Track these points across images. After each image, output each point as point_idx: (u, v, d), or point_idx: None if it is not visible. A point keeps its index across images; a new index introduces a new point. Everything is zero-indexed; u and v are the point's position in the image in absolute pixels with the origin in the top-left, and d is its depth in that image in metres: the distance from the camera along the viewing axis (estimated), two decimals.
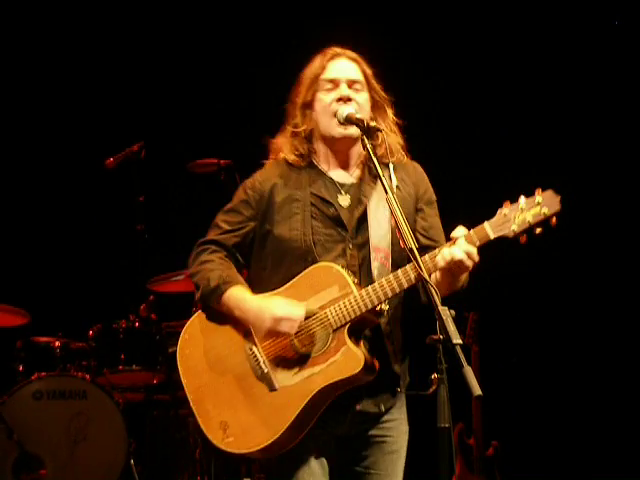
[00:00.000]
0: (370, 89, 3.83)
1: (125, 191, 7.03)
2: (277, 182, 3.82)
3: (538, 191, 3.46)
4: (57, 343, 6.80)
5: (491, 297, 7.37)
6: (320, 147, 3.85)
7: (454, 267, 3.46)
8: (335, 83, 3.79)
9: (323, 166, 3.85)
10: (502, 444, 7.00)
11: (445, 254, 3.45)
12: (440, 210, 3.90)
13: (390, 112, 3.87)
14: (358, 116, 3.66)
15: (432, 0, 7.75)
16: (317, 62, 3.84)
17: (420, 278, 3.37)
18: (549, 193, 3.45)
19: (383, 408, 3.74)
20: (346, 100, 3.75)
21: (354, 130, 3.72)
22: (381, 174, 3.49)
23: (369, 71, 3.85)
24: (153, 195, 7.10)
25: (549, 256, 7.59)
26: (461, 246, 3.44)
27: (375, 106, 3.84)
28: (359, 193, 3.80)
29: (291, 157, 3.84)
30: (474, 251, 3.46)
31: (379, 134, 3.72)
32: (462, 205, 3.93)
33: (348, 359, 3.54)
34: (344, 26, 6.75)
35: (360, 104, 3.77)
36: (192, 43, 7.88)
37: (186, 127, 7.90)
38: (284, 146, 3.87)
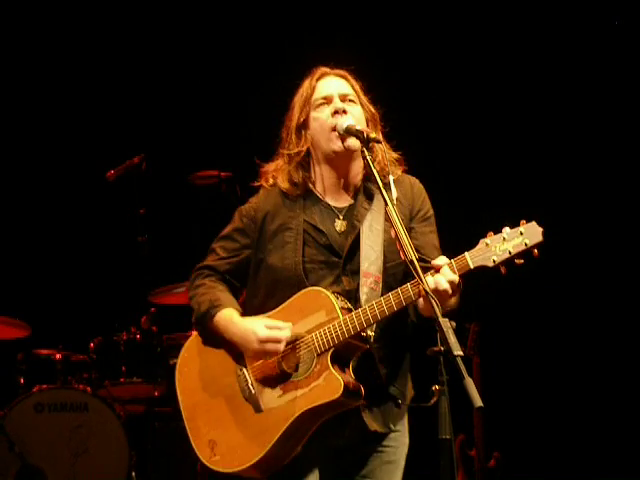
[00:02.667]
0: (361, 104, 3.82)
1: (126, 203, 7.03)
2: (270, 210, 3.82)
3: (522, 222, 3.47)
4: (58, 356, 6.80)
5: (492, 308, 7.36)
6: (317, 169, 3.82)
7: (437, 295, 3.39)
8: (328, 99, 3.78)
9: (319, 191, 3.82)
10: (504, 455, 6.99)
11: (430, 282, 3.41)
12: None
13: (380, 127, 3.85)
14: (358, 127, 3.66)
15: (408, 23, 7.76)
16: (306, 84, 3.83)
17: (409, 299, 3.43)
18: (531, 224, 3.45)
19: (393, 427, 3.75)
20: (342, 112, 3.74)
21: (353, 142, 3.70)
22: (381, 186, 3.48)
23: (358, 86, 3.85)
24: (154, 207, 7.10)
25: (549, 267, 7.60)
26: (446, 275, 3.43)
27: (367, 120, 3.82)
28: (353, 217, 3.78)
29: (285, 185, 3.82)
30: (456, 279, 3.44)
31: (378, 146, 3.72)
32: (448, 235, 3.95)
33: (329, 384, 3.55)
34: (334, 40, 6.87)
35: (356, 117, 3.76)
36: (193, 56, 7.89)
37: (187, 139, 7.91)
38: (279, 174, 3.84)
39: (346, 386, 3.53)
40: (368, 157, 3.57)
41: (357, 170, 3.81)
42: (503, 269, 3.47)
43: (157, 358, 6.74)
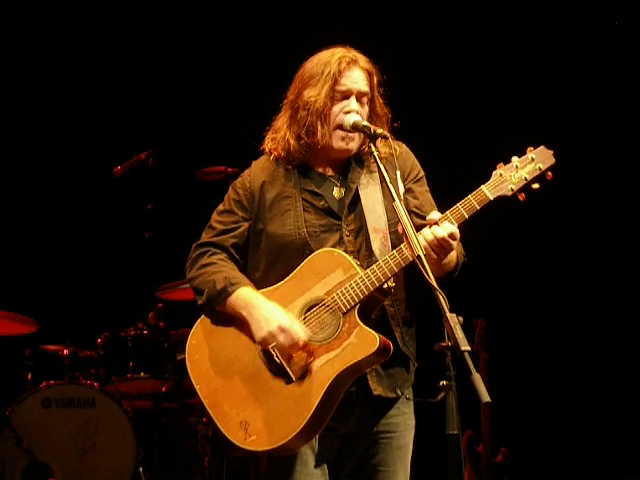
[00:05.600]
0: (372, 100, 3.82)
1: (133, 199, 7.04)
2: (266, 180, 3.83)
3: (530, 149, 3.60)
4: (66, 351, 6.81)
5: (499, 304, 7.36)
6: (314, 143, 3.79)
7: (436, 248, 3.48)
8: (346, 95, 3.77)
9: (313, 163, 3.84)
10: (511, 451, 6.98)
11: (426, 234, 3.48)
12: (430, 184, 3.91)
13: (386, 126, 3.83)
14: (365, 124, 3.69)
15: None
16: (334, 66, 3.75)
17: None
18: (541, 149, 3.60)
19: (400, 392, 3.75)
20: (354, 113, 3.75)
21: (354, 144, 3.75)
22: (388, 181, 3.50)
23: (376, 82, 3.83)
24: (161, 203, 7.11)
25: (558, 262, 7.59)
26: (444, 227, 3.49)
27: (374, 116, 3.82)
28: (347, 180, 3.80)
29: (283, 154, 3.82)
30: (456, 231, 3.50)
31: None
32: (450, 179, 3.99)
33: (363, 339, 3.55)
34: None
35: (363, 116, 3.77)
36: (200, 51, 7.89)
37: (194, 135, 7.91)
38: (280, 142, 3.84)
39: (380, 340, 3.54)
40: (375, 153, 3.60)
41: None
42: (522, 196, 3.56)
43: (164, 354, 6.74)
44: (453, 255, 3.63)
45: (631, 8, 7.38)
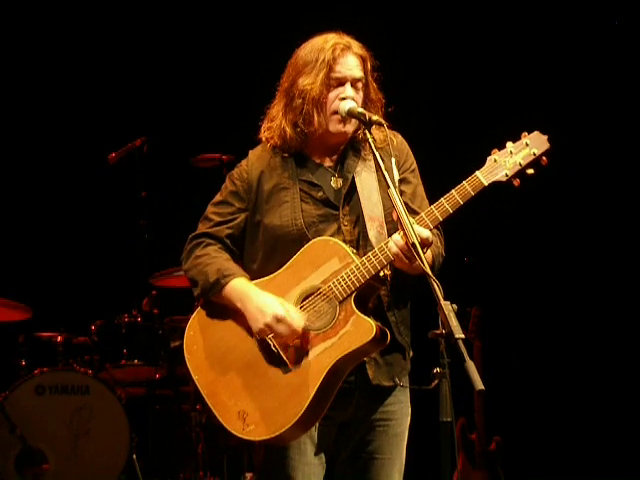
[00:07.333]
0: (367, 85, 3.80)
1: (127, 186, 7.04)
2: (264, 170, 3.81)
3: (524, 134, 3.59)
4: (59, 338, 6.81)
5: (494, 292, 7.37)
6: (311, 131, 3.78)
7: (407, 253, 3.46)
8: (341, 82, 3.76)
9: (310, 151, 3.82)
10: (504, 439, 7.00)
11: (397, 239, 3.47)
12: (424, 172, 3.90)
13: (380, 111, 3.82)
14: (360, 110, 3.67)
15: None
16: (328, 53, 3.73)
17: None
18: (536, 134, 3.59)
19: (398, 381, 3.75)
20: (349, 99, 3.73)
21: (351, 127, 3.74)
22: (383, 168, 3.49)
23: (370, 67, 3.81)
24: (155, 190, 7.10)
25: (553, 251, 7.60)
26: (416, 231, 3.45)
27: (369, 102, 3.80)
28: (344, 170, 3.80)
29: (279, 142, 3.80)
30: (427, 236, 3.48)
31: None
32: (444, 166, 3.98)
33: (359, 328, 3.55)
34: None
35: (358, 102, 3.75)
36: (194, 38, 7.88)
37: (189, 122, 7.90)
38: (275, 130, 3.81)
39: (377, 327, 3.54)
40: (370, 139, 3.59)
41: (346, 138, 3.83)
42: (516, 182, 3.57)
43: (158, 341, 6.74)
44: (428, 256, 3.58)
45: (631, 8, 7.37)
